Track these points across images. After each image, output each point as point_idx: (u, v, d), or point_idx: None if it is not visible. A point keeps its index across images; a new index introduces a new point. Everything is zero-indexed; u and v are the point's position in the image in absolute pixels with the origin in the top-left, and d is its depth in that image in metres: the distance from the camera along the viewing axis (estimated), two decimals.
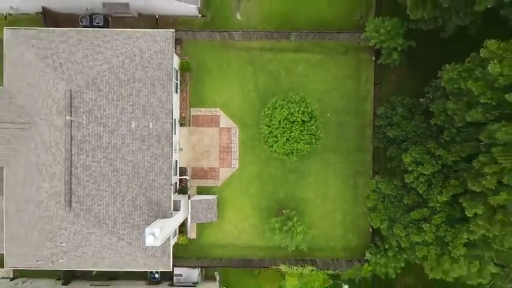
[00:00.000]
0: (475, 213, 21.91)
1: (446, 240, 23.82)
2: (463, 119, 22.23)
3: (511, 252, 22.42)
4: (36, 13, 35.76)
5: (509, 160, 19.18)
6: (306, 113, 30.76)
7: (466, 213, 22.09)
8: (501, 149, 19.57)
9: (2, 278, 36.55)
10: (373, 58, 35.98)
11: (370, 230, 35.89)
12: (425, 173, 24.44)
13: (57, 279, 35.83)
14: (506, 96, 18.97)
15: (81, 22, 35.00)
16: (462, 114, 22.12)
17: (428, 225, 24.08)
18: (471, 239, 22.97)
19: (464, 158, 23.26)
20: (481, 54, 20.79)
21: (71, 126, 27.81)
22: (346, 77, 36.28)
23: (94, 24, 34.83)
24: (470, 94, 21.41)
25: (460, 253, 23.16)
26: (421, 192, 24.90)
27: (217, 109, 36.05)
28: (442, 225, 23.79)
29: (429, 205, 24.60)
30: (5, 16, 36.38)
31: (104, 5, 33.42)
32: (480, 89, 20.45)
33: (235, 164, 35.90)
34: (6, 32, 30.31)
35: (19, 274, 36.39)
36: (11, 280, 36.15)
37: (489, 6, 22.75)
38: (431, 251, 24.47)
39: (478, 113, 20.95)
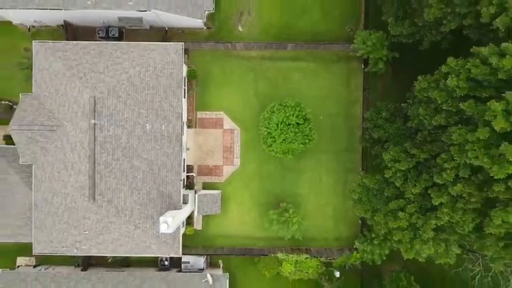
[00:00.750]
0: (441, 202, 26.54)
1: (417, 226, 28.47)
2: (431, 123, 26.87)
3: (473, 236, 26.97)
4: (57, 26, 40.29)
5: (463, 157, 23.77)
6: (300, 117, 35.45)
7: (433, 202, 26.71)
8: (457, 148, 24.22)
9: (26, 265, 40.98)
10: (362, 66, 40.52)
11: (360, 221, 40.44)
12: (402, 168, 29.15)
13: (76, 266, 40.26)
14: (460, 104, 23.60)
15: (98, 34, 39.59)
16: (430, 118, 26.77)
17: (403, 213, 28.80)
18: (439, 224, 27.56)
19: (434, 155, 27.88)
20: (442, 70, 25.44)
21: (95, 129, 32.49)
22: (338, 83, 40.89)
23: (110, 35, 39.37)
24: (436, 102, 26.02)
25: (429, 236, 27.83)
26: (398, 185, 29.61)
27: (221, 112, 40.64)
28: (415, 213, 28.49)
29: (405, 196, 29.29)
30: (29, 28, 40.92)
31: (120, 19, 38.01)
32: (442, 98, 25.10)
33: (237, 162, 40.49)
34: (35, 44, 34.98)
35: (40, 262, 40.78)
36: (34, 267, 40.54)
37: (453, 28, 27.37)
38: (406, 235, 29.17)
39: (442, 118, 25.64)
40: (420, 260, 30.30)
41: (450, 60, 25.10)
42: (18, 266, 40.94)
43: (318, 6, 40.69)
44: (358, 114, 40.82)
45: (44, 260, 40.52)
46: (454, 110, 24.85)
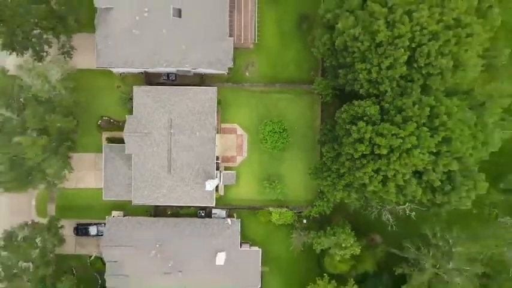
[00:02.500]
0: (344, 171, 62.09)
1: (335, 184, 63.90)
2: (340, 133, 62.43)
3: (363, 188, 62.14)
4: (138, 73, 75.86)
5: (346, 149, 59.16)
6: (281, 128, 72.05)
7: (341, 171, 62.24)
8: (345, 145, 59.63)
9: (118, 216, 76.58)
10: (321, 98, 76.12)
11: (319, 190, 75.95)
12: (330, 156, 64.86)
13: (149, 215, 75.84)
14: (347, 126, 59.06)
15: (162, 77, 75.76)
16: (340, 131, 62.27)
17: (330, 177, 64.64)
18: (346, 182, 62.94)
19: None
20: (342, 109, 60.98)
21: (171, 135, 68.21)
22: (306, 107, 77.75)
23: (169, 78, 75.09)
24: (341, 123, 61.62)
25: (340, 188, 63.67)
26: (328, 164, 65.63)
27: (235, 124, 76.81)
28: (335, 177, 63.97)
29: (331, 170, 64.79)
30: (120, 74, 76.50)
31: (178, 70, 73.75)
32: (343, 122, 60.58)
33: (245, 154, 76.70)
34: (135, 88, 72.25)
35: (126, 213, 76.37)
36: (123, 216, 76.05)
37: (350, 89, 62.82)
38: (330, 188, 65.05)
39: (342, 131, 61.10)
40: (336, 200, 66.13)
41: (344, 105, 61.04)
42: (113, 216, 76.46)
43: (294, 62, 77.76)
44: (317, 126, 77.34)
45: (129, 212, 76.14)
46: (346, 128, 60.40)
